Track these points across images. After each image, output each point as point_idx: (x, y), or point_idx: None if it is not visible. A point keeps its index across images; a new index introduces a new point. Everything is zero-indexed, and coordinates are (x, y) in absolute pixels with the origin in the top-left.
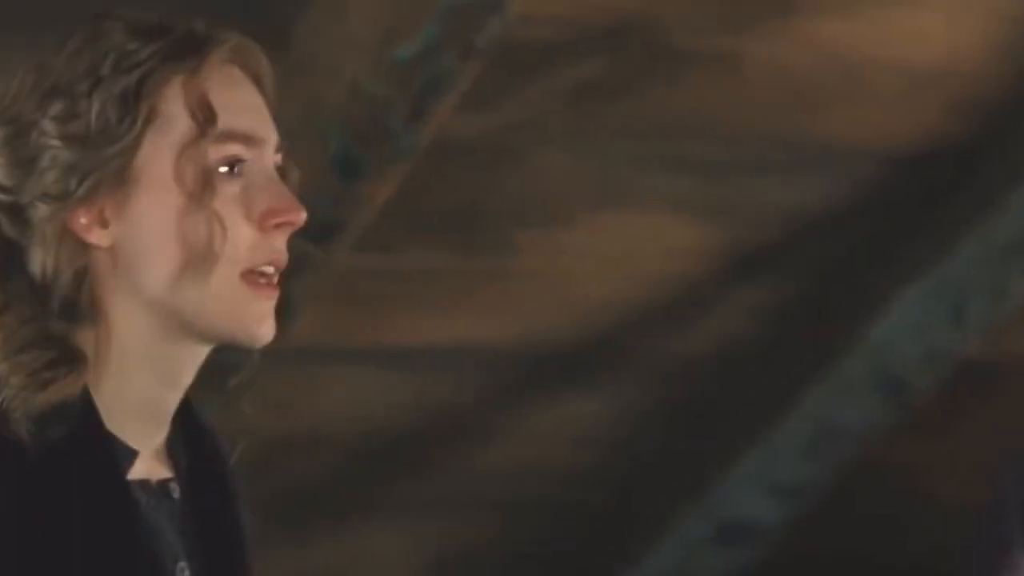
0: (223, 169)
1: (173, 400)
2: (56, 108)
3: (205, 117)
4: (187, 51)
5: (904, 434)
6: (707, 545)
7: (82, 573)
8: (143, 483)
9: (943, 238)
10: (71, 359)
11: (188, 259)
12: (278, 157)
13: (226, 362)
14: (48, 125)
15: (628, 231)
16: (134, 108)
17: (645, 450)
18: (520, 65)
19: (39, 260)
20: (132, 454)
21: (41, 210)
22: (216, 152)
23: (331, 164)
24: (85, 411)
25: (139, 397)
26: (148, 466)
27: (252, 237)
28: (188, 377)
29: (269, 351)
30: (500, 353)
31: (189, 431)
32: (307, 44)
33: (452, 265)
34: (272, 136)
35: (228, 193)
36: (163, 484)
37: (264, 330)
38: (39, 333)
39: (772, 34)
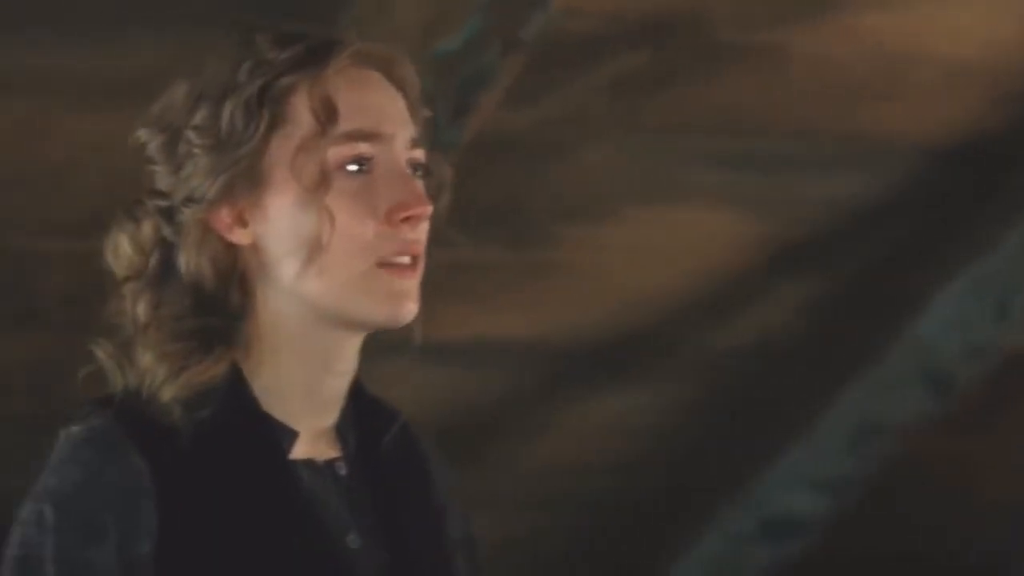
0: (351, 168)
1: (334, 385)
2: (199, 116)
3: (327, 117)
4: (315, 57)
5: (947, 429)
6: (750, 539)
7: (245, 546)
8: (308, 462)
9: (986, 233)
10: (210, 348)
11: (303, 251)
12: (417, 152)
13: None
14: (191, 133)
15: (672, 225)
16: (258, 113)
17: (688, 444)
18: (563, 59)
19: (185, 260)
20: (292, 434)
21: (186, 213)
22: (338, 151)
23: None
24: (237, 394)
25: (296, 383)
26: (314, 446)
27: (378, 230)
28: (345, 363)
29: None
30: (543, 348)
31: (359, 413)
32: (350, 38)
33: (495, 260)
34: (402, 132)
35: (349, 189)
36: (330, 463)
37: (404, 309)
38: (187, 327)
39: (815, 28)
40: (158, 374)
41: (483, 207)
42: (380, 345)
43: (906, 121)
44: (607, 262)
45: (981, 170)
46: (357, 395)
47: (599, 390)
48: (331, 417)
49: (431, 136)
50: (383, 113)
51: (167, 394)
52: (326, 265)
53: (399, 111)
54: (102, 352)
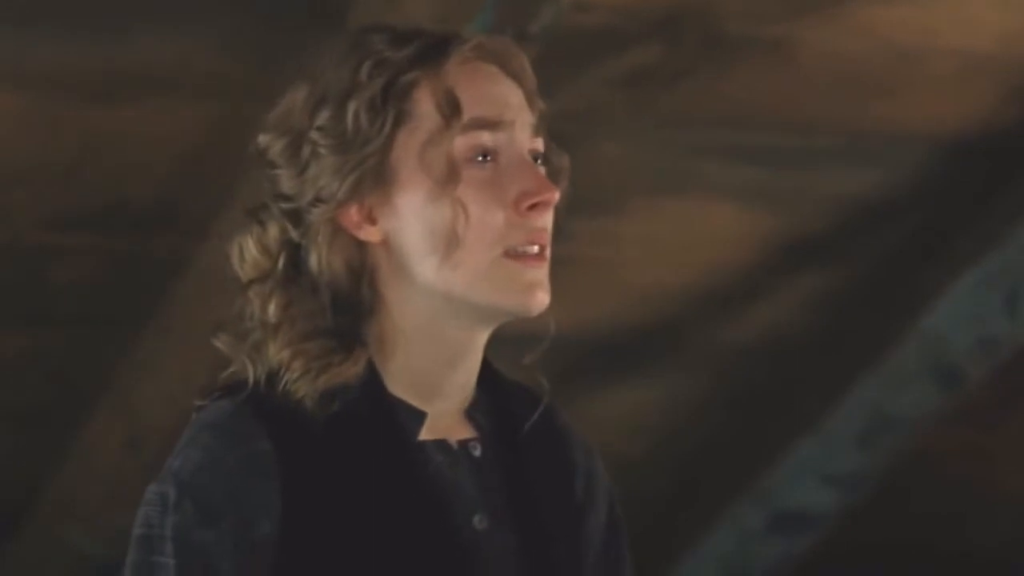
0: (478, 158)
1: (458, 378)
2: (322, 117)
3: (451, 109)
4: (433, 53)
5: (958, 423)
6: (761, 534)
7: (367, 524)
8: (439, 443)
9: (997, 227)
10: (348, 348)
11: (439, 244)
12: (536, 142)
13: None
14: (316, 134)
15: (683, 219)
16: (383, 110)
17: (700, 438)
18: (574, 53)
19: (315, 259)
20: (421, 415)
21: (315, 213)
22: (464, 142)
23: None
24: (369, 384)
25: (425, 373)
26: (447, 428)
27: (508, 219)
28: (471, 356)
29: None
30: (555, 341)
31: (496, 397)
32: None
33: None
34: (523, 119)
35: (477, 179)
36: (464, 444)
37: (536, 299)
38: (320, 325)
39: (827, 21)
40: (294, 368)
41: None
42: None
43: (918, 115)
44: (618, 256)
45: (993, 164)
46: (490, 381)
47: (609, 384)
48: (462, 402)
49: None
50: (504, 102)
51: (303, 390)
52: (461, 257)
53: (519, 100)
54: (226, 346)
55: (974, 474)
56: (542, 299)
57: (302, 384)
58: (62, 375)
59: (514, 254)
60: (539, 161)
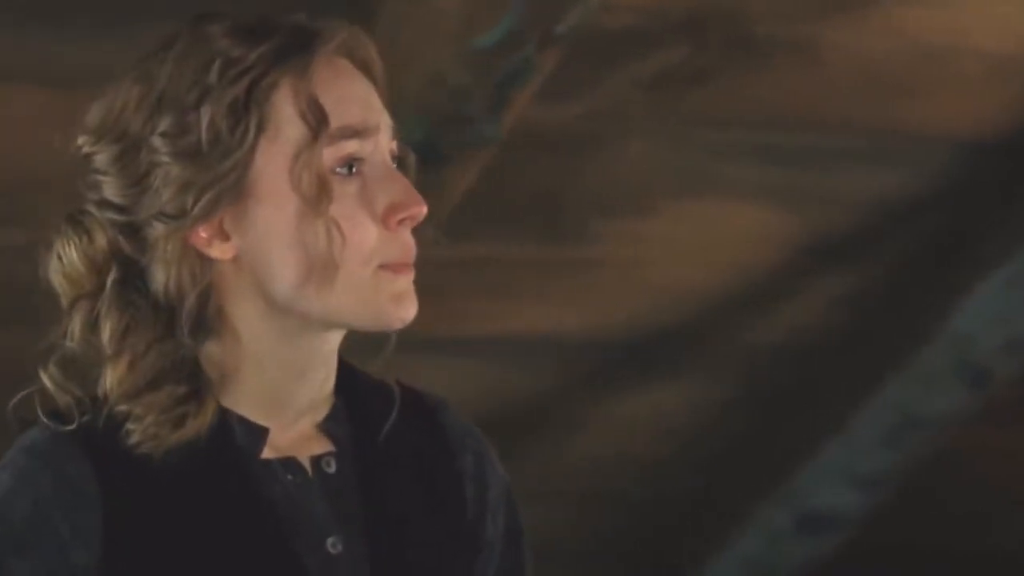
0: (340, 170)
1: (312, 387)
2: (165, 123)
3: (317, 119)
4: (294, 52)
5: (985, 423)
6: (788, 534)
7: (198, 556)
8: (287, 461)
9: (1023, 227)
10: (199, 393)
11: (311, 266)
12: (393, 145)
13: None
14: (157, 141)
15: (709, 220)
16: (245, 118)
17: (726, 439)
18: (601, 53)
19: (162, 279)
20: (262, 432)
21: (159, 229)
22: (331, 153)
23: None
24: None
25: (271, 389)
26: (299, 444)
27: (380, 234)
28: (323, 365)
29: (351, 341)
30: (581, 342)
31: (353, 404)
32: (388, 30)
33: (533, 254)
34: (385, 122)
35: (347, 193)
36: (316, 460)
37: (409, 311)
38: (168, 360)
39: (853, 21)
40: (143, 424)
41: (519, 202)
42: (407, 342)
43: (944, 115)
44: (644, 257)
45: (1019, 164)
46: (347, 385)
47: (635, 385)
48: (316, 415)
49: (467, 130)
50: (367, 105)
51: (150, 449)
52: (331, 276)
53: (377, 99)
54: (50, 380)
55: (1000, 474)
56: (409, 310)
57: (148, 441)
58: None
59: (387, 268)
60: (395, 163)
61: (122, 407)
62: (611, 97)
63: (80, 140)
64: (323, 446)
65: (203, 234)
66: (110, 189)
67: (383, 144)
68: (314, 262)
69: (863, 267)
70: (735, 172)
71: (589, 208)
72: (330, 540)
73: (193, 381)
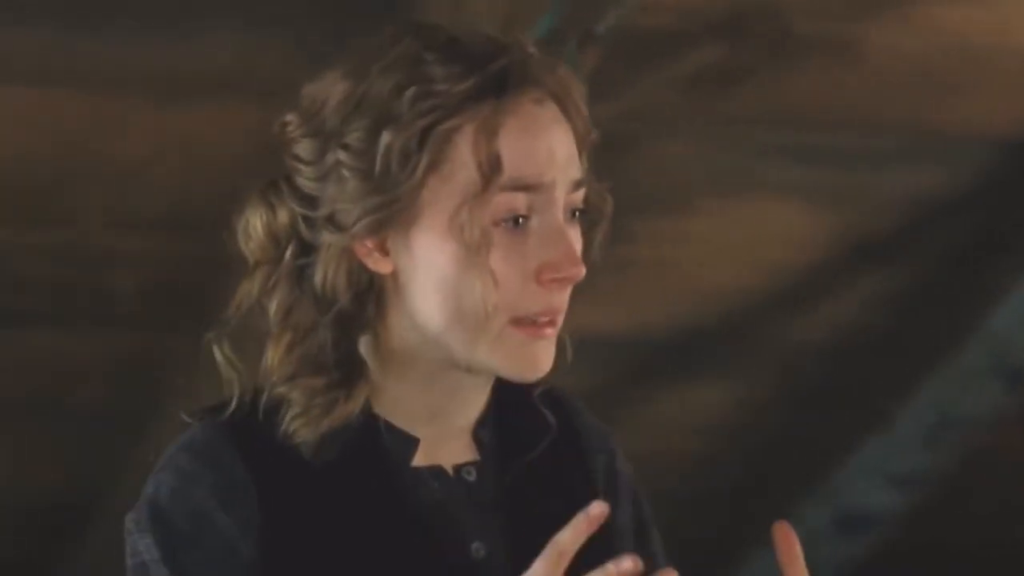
0: (506, 223)
1: (461, 407)
2: (353, 135)
3: (491, 169)
4: (489, 94)
5: (1021, 422)
6: (827, 532)
7: (351, 556)
8: (434, 469)
9: None
10: (350, 382)
11: (459, 309)
12: (576, 197)
13: None
14: (343, 153)
15: (747, 219)
16: (418, 155)
17: (765, 438)
18: (640, 53)
19: (320, 275)
20: (413, 442)
21: (326, 234)
22: (499, 203)
23: None
24: (364, 417)
25: (420, 401)
26: (447, 451)
27: (527, 288)
28: (473, 393)
29: None
30: (619, 342)
31: (504, 416)
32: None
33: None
34: (567, 176)
35: (507, 244)
36: (458, 467)
37: (535, 370)
38: (325, 348)
39: (892, 21)
40: (295, 405)
41: None
42: None
43: (984, 114)
44: (682, 256)
45: None
46: (504, 399)
47: (675, 385)
48: (465, 424)
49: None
50: (550, 158)
51: (301, 432)
52: (479, 326)
53: (567, 151)
54: (221, 354)
55: None
56: (542, 368)
57: (300, 424)
58: (128, 376)
59: (521, 323)
60: (575, 216)
61: (280, 389)
62: (651, 97)
63: (288, 119)
64: (468, 454)
65: (365, 247)
66: (300, 177)
67: (556, 199)
68: (462, 307)
69: (902, 267)
70: (774, 171)
71: (627, 208)
72: (474, 545)
73: (347, 371)
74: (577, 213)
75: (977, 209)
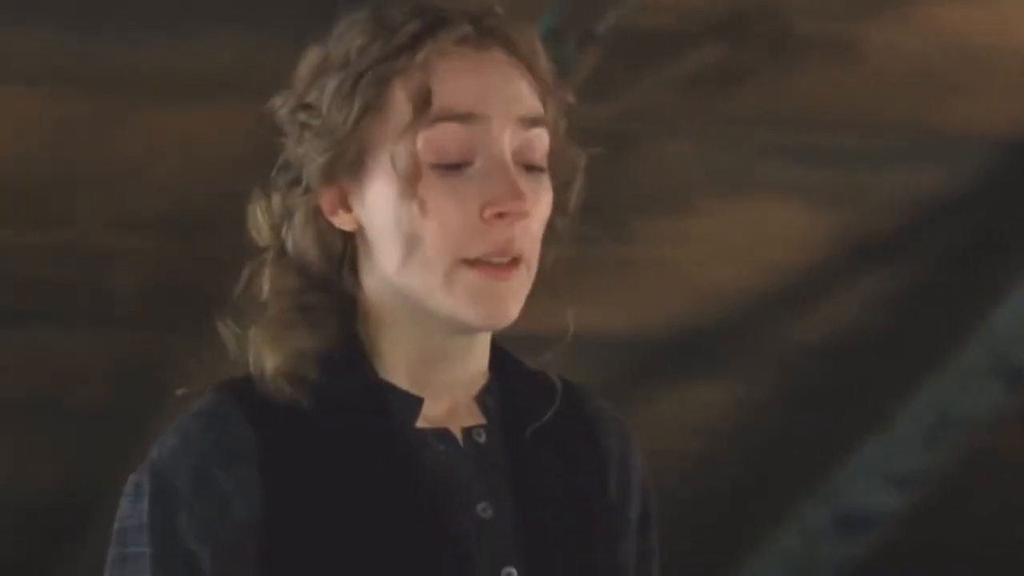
0: (447, 160)
1: (458, 371)
2: (312, 96)
3: (420, 101)
4: (419, 40)
5: (1021, 422)
6: (827, 532)
7: (357, 514)
8: (440, 432)
9: None
10: (315, 321)
11: (408, 253)
12: (527, 141)
13: None
14: (303, 114)
15: (747, 219)
16: (351, 98)
17: (765, 438)
18: (640, 53)
19: (292, 239)
20: (417, 402)
21: (295, 191)
22: (431, 135)
23: None
24: (354, 363)
25: (416, 363)
26: (452, 414)
27: (470, 225)
28: (466, 355)
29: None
30: (619, 342)
31: (510, 385)
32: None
33: (571, 253)
34: (511, 112)
35: (450, 186)
36: (467, 430)
37: (494, 312)
38: (293, 303)
39: (892, 21)
40: (260, 342)
41: None
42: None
43: (984, 114)
44: (683, 256)
45: None
46: (503, 367)
47: (675, 384)
48: (470, 389)
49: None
50: (484, 91)
51: (270, 363)
52: (419, 260)
53: (508, 89)
54: (229, 333)
55: None
56: (504, 312)
57: (267, 358)
58: (128, 376)
59: (475, 264)
60: (532, 170)
61: (252, 331)
62: (651, 97)
63: (278, 99)
64: (475, 419)
65: (329, 203)
66: (285, 153)
67: (496, 137)
68: (401, 239)
69: (902, 267)
70: (774, 171)
71: (627, 208)
72: (480, 505)
73: (305, 317)
74: (537, 169)
75: (977, 209)
